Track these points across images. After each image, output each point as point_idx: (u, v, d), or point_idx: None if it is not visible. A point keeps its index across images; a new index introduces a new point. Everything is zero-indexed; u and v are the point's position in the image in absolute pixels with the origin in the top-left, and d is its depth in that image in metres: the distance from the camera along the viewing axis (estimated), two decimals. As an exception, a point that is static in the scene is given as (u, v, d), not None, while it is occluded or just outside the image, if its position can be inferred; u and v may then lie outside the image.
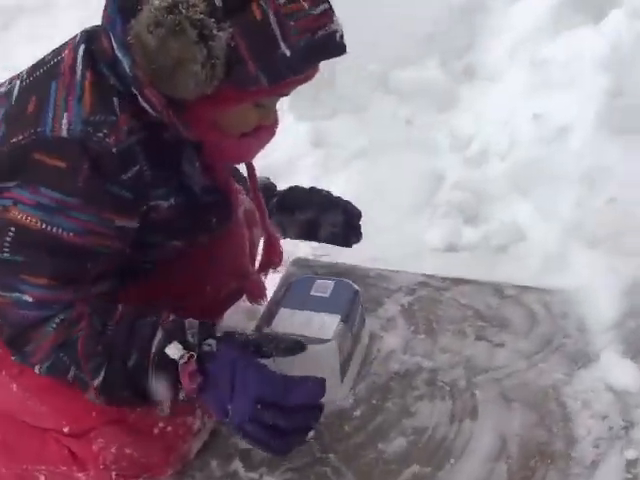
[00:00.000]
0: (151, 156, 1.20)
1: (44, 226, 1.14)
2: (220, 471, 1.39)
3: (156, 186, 1.23)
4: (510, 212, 2.14)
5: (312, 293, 1.61)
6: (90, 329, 1.19)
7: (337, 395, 1.51)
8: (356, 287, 1.64)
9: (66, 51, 1.24)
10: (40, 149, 1.15)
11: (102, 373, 1.19)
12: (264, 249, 1.61)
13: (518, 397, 1.49)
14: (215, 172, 1.33)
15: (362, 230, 1.70)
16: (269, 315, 1.55)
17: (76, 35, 1.27)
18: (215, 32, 1.08)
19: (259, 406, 1.14)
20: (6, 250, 1.16)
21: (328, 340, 1.48)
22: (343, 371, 1.52)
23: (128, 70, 1.16)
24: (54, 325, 1.17)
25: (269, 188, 1.67)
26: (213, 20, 1.08)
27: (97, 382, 1.20)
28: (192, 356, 1.17)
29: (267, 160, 2.39)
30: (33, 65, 1.28)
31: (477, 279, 1.83)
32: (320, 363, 1.50)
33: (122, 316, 1.21)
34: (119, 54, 1.16)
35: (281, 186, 1.76)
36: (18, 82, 1.27)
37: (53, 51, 1.28)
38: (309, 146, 2.45)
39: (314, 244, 2.14)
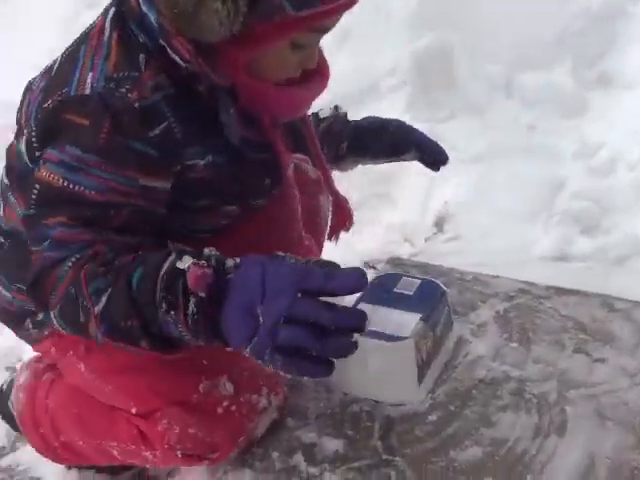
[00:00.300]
0: (182, 112, 1.14)
1: (65, 183, 1.11)
2: (281, 463, 1.33)
3: (188, 144, 1.17)
4: (634, 224, 1.96)
5: (395, 290, 1.53)
6: (100, 260, 1.09)
7: (413, 397, 1.42)
8: (443, 287, 1.55)
9: (99, 17, 1.22)
10: (67, 109, 1.12)
11: (104, 298, 1.05)
12: (333, 213, 1.53)
13: (615, 416, 1.34)
14: (260, 127, 1.26)
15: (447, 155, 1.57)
16: (350, 308, 1.48)
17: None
18: None
19: (299, 294, 0.94)
20: (32, 206, 1.14)
21: (405, 338, 1.40)
22: (421, 373, 1.43)
23: (154, 22, 1.12)
24: (69, 264, 1.08)
25: (337, 133, 1.57)
26: None
27: (98, 309, 1.05)
28: (204, 263, 1.00)
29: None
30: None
31: (584, 290, 1.68)
32: (396, 362, 1.42)
33: (138, 254, 1.09)
34: (144, 7, 1.13)
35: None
36: (59, 57, 1.26)
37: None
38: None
39: (416, 244, 2.07)
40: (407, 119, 2.48)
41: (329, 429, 1.38)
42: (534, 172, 2.20)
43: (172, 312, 1.00)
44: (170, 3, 1.06)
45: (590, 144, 2.28)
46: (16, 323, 1.40)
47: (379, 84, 2.54)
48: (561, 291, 1.68)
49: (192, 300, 0.99)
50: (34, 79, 1.30)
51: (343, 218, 1.53)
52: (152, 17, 1.12)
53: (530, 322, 1.59)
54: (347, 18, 1.17)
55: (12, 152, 1.29)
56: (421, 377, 1.43)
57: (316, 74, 1.26)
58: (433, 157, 1.58)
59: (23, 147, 1.23)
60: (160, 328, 1.03)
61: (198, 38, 1.09)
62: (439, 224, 2.10)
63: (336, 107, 1.61)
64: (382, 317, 1.45)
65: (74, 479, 1.51)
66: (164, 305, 1.00)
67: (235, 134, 1.20)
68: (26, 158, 1.22)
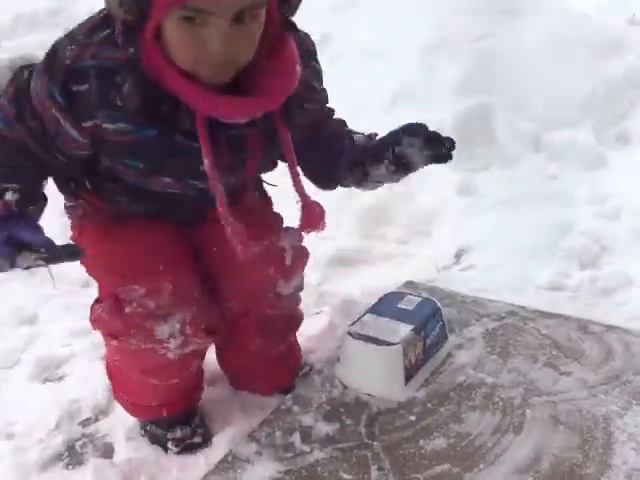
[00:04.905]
0: (102, 82, 1.13)
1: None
2: (281, 440, 1.38)
3: (98, 108, 1.14)
4: (625, 263, 1.92)
5: (398, 305, 1.58)
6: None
7: (398, 395, 1.45)
8: (438, 305, 1.57)
9: None
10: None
11: None
12: (302, 215, 1.33)
13: (567, 421, 1.33)
14: (194, 119, 1.15)
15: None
16: (359, 318, 1.55)
17: None
18: None
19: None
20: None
21: (395, 344, 1.44)
22: (408, 374, 1.46)
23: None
24: None
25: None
26: None
27: None
28: None
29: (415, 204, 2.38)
30: None
31: (566, 314, 1.66)
32: (386, 363, 1.46)
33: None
34: None
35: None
36: None
37: None
38: (454, 194, 2.38)
39: (438, 272, 2.07)
40: (447, 167, 2.53)
41: (325, 416, 1.42)
42: (549, 215, 2.17)
43: None
44: None
45: (602, 193, 2.25)
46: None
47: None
48: (545, 314, 1.67)
49: None
50: None
51: (312, 219, 1.34)
52: None
53: (513, 339, 1.59)
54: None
55: None
56: (408, 378, 1.46)
57: (267, 91, 1.15)
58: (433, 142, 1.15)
59: None
60: None
61: (120, 18, 1.08)
62: (458, 256, 2.10)
63: (363, 134, 1.33)
64: (382, 326, 1.50)
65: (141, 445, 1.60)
66: None
67: (129, 105, 1.13)
68: None
